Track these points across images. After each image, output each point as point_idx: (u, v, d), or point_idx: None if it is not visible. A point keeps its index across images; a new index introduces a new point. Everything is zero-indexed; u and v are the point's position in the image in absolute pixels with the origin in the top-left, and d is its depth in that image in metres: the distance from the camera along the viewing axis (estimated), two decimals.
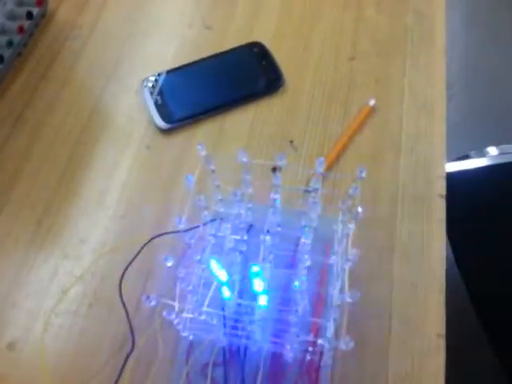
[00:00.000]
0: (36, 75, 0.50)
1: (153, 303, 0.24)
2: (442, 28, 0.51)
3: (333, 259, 0.33)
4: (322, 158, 0.27)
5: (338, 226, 0.33)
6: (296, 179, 0.43)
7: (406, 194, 0.41)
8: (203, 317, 0.25)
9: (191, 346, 0.34)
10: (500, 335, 0.65)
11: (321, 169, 0.27)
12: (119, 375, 0.29)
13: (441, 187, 0.41)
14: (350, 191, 0.28)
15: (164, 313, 0.25)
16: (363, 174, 0.26)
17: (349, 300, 0.23)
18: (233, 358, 0.33)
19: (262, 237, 0.29)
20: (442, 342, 0.35)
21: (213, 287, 0.28)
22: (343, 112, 0.46)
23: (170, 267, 0.28)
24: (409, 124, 0.45)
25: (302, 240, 0.34)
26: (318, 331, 0.31)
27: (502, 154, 0.99)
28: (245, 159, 0.29)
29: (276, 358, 0.32)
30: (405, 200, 0.41)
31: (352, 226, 0.26)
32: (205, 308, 0.26)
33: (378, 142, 0.44)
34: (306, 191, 0.41)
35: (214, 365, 0.33)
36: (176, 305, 0.25)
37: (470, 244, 0.78)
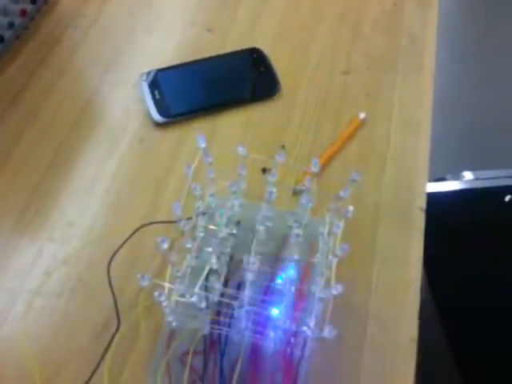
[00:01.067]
0: (34, 60, 0.50)
1: (146, 283, 0.25)
2: (432, 52, 0.54)
3: (317, 257, 0.34)
4: (317, 160, 0.28)
5: (324, 227, 0.34)
6: (284, 182, 0.44)
7: (387, 205, 0.43)
8: (193, 298, 0.26)
9: (172, 333, 0.34)
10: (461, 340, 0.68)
11: (315, 169, 0.29)
12: (102, 355, 0.30)
13: (421, 201, 0.43)
14: (341, 193, 0.29)
15: (155, 293, 0.26)
16: (357, 178, 0.27)
17: (334, 292, 0.25)
18: (213, 346, 0.34)
19: (256, 227, 0.30)
20: (414, 347, 0.37)
21: (203, 275, 0.29)
22: (334, 122, 0.48)
23: (157, 254, 0.29)
24: (395, 140, 0.47)
25: (291, 236, 0.35)
26: (299, 323, 0.32)
27: (476, 179, 1.04)
28: (243, 153, 0.30)
29: (255, 349, 0.33)
30: (386, 211, 0.42)
31: (341, 223, 0.28)
32: (197, 290, 0.26)
33: (365, 154, 0.46)
34: (296, 192, 0.43)
35: (194, 353, 0.34)
36: (167, 285, 0.26)
37: (440, 262, 0.81)
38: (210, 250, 0.31)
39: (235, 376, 0.32)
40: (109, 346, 0.31)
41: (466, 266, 0.78)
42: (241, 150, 0.29)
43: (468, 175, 1.04)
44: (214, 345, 0.34)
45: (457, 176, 1.02)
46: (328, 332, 0.23)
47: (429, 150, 0.47)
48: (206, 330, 0.31)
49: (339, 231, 0.28)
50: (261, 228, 0.30)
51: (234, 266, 0.35)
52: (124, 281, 0.37)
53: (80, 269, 0.39)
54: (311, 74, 0.51)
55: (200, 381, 0.33)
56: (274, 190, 0.33)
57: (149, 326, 0.34)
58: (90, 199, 0.42)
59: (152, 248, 0.39)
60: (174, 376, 0.33)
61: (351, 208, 0.27)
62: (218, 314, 0.33)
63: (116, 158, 0.45)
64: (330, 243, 0.30)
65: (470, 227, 0.89)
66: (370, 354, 0.36)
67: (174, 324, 0.32)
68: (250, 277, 0.27)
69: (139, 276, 0.24)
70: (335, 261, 0.26)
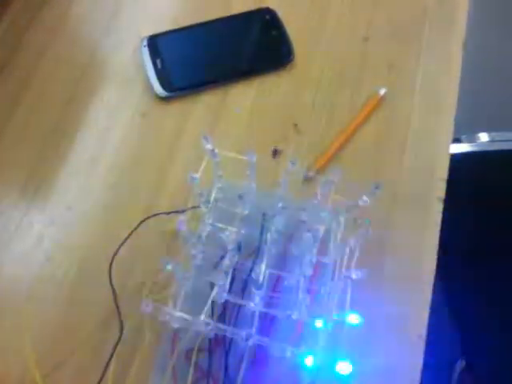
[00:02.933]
0: (24, 17, 0.45)
1: (149, 309, 0.23)
2: (463, 10, 0.48)
3: (328, 258, 0.33)
4: (339, 170, 0.26)
5: (338, 226, 0.32)
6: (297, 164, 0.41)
7: (404, 193, 0.40)
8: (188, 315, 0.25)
9: (177, 332, 0.34)
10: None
11: (335, 178, 0.26)
12: (107, 363, 0.29)
13: (440, 190, 0.40)
14: (360, 202, 0.27)
15: (160, 317, 0.24)
16: (377, 190, 0.25)
17: (354, 277, 0.23)
18: (218, 345, 0.33)
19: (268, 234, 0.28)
20: (422, 344, 0.36)
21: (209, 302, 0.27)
22: (352, 96, 0.44)
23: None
24: (416, 120, 0.43)
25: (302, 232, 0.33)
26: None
27: (492, 141, 1.00)
28: (253, 158, 0.27)
29: (261, 348, 0.32)
30: (403, 199, 0.40)
31: (357, 242, 0.26)
32: (202, 317, 0.25)
33: (383, 136, 0.43)
34: (307, 178, 0.40)
35: (199, 350, 0.33)
36: (170, 309, 0.24)
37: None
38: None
39: (240, 374, 0.32)
40: (113, 352, 0.30)
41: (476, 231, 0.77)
42: (251, 155, 0.26)
43: (484, 137, 1.00)
44: (219, 343, 0.33)
45: (472, 138, 0.99)
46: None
47: (451, 132, 0.43)
48: (209, 335, 0.30)
49: (356, 252, 0.26)
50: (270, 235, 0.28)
51: (241, 258, 0.34)
52: (126, 270, 0.36)
53: (81, 255, 0.37)
54: (328, 41, 0.46)
55: (205, 378, 0.33)
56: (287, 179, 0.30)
57: (152, 325, 0.33)
58: (90, 180, 0.40)
59: (156, 236, 0.38)
60: (179, 373, 0.33)
61: (370, 232, 0.25)
62: (223, 314, 0.32)
63: (117, 135, 0.42)
64: (343, 250, 0.28)
65: (485, 191, 0.87)
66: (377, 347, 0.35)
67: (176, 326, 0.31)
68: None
69: (143, 305, 0.23)
70: (349, 284, 0.24)
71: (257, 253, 0.30)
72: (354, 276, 0.25)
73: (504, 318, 0.67)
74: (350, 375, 0.23)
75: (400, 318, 0.36)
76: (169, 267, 0.24)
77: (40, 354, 0.33)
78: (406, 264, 0.38)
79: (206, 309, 0.25)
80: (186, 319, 0.25)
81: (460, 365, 0.68)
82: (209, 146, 0.27)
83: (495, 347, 0.67)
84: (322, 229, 0.29)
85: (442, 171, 0.41)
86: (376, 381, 0.34)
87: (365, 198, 0.26)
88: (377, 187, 0.25)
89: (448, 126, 0.43)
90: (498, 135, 1.01)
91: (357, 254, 0.26)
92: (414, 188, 0.41)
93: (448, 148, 0.43)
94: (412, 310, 0.37)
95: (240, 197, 0.29)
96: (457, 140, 1.00)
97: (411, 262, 0.38)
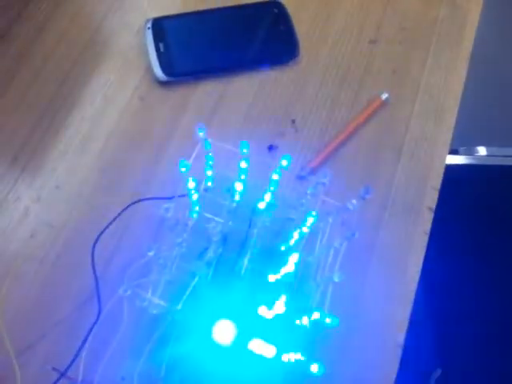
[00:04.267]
0: None
1: (128, 292, 0.23)
2: (473, 26, 0.48)
3: (312, 258, 0.33)
4: (330, 172, 0.25)
5: (325, 227, 0.32)
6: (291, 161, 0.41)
7: (396, 200, 0.40)
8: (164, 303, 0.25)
9: (155, 317, 0.33)
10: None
11: (325, 180, 0.26)
12: (82, 344, 0.29)
13: (432, 200, 0.40)
14: (348, 205, 0.27)
15: (136, 302, 0.24)
16: (367, 196, 0.25)
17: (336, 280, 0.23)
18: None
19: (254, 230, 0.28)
20: (399, 352, 0.36)
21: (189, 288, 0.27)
22: (353, 98, 0.44)
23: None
24: (416, 127, 0.43)
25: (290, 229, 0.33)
26: None
27: (489, 155, 1.00)
28: (245, 150, 0.27)
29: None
30: (394, 206, 0.40)
31: (342, 246, 0.26)
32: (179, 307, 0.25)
33: (381, 141, 0.42)
34: (300, 176, 0.40)
35: (176, 339, 0.33)
36: (149, 296, 0.24)
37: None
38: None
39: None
40: (89, 332, 0.30)
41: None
42: (243, 145, 0.26)
43: (482, 150, 1.00)
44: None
45: (470, 150, 0.99)
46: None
47: (449, 142, 0.43)
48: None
49: (340, 254, 0.25)
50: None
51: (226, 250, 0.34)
52: (109, 253, 0.36)
53: (66, 235, 0.37)
54: (335, 41, 0.46)
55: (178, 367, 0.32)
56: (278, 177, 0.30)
57: (132, 307, 0.33)
58: (80, 160, 0.39)
59: (142, 221, 0.37)
60: (155, 361, 0.32)
61: (357, 235, 0.25)
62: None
63: (112, 117, 0.41)
64: (327, 252, 0.28)
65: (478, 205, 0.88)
66: (354, 358, 0.35)
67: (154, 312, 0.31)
68: None
69: (122, 290, 0.23)
70: (330, 285, 0.24)
71: (242, 246, 0.30)
72: (336, 279, 0.25)
73: (480, 329, 0.68)
74: (322, 376, 0.23)
75: (379, 324, 0.36)
76: (150, 253, 0.24)
77: (13, 332, 0.33)
78: (391, 271, 0.38)
79: (184, 297, 0.25)
80: (163, 306, 0.25)
81: (436, 374, 0.69)
82: (202, 135, 0.27)
83: (470, 356, 0.68)
84: (307, 228, 0.29)
85: (436, 181, 0.41)
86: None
87: (354, 201, 0.26)
88: (366, 192, 0.25)
89: (446, 136, 0.43)
90: (497, 150, 1.01)
91: (340, 256, 0.26)
92: (406, 195, 0.40)
93: (444, 158, 0.42)
94: (392, 317, 0.37)
95: (228, 189, 0.28)
96: (454, 151, 1.00)
97: (396, 269, 0.38)
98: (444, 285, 0.76)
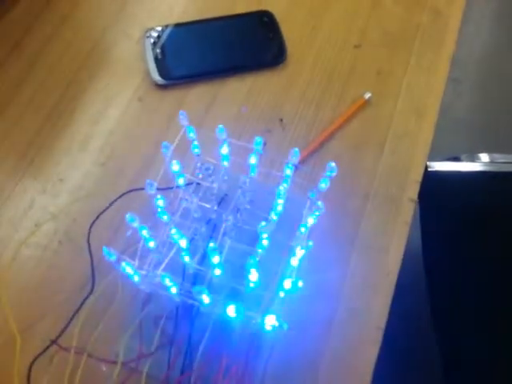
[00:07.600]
0: (39, 3, 0.49)
1: (113, 258, 0.26)
2: (455, 31, 0.51)
3: (294, 241, 0.35)
4: (297, 149, 0.28)
5: (305, 213, 0.34)
6: (278, 158, 0.44)
7: (378, 191, 0.42)
8: (157, 279, 0.27)
9: (149, 296, 0.36)
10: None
11: (294, 159, 0.28)
12: (74, 313, 0.32)
13: (413, 192, 0.42)
14: (320, 185, 0.29)
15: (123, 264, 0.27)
16: (332, 174, 0.27)
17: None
18: (185, 314, 0.35)
19: (225, 216, 0.30)
20: (380, 335, 0.38)
21: (173, 250, 0.29)
22: (338, 98, 0.47)
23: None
24: (398, 124, 0.45)
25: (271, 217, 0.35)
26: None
27: (492, 162, 1.00)
28: (224, 136, 0.30)
29: (225, 321, 0.34)
30: (376, 197, 0.42)
31: (311, 220, 0.28)
32: (159, 272, 0.27)
33: (364, 136, 0.45)
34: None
35: (167, 318, 0.35)
36: (136, 263, 0.26)
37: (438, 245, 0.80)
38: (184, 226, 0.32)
39: (203, 343, 0.34)
40: (82, 303, 0.33)
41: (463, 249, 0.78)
42: (221, 131, 0.28)
43: (484, 157, 1.00)
44: (186, 312, 0.35)
45: (471, 157, 0.99)
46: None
47: (431, 139, 0.45)
48: (176, 301, 0.32)
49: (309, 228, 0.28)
50: (231, 217, 0.31)
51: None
52: (107, 241, 0.39)
53: (67, 224, 0.40)
54: (321, 45, 0.49)
55: (169, 345, 0.35)
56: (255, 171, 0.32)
57: (126, 286, 0.35)
58: (83, 155, 0.43)
59: (139, 209, 0.40)
60: (146, 337, 0.35)
61: (321, 204, 0.27)
62: (194, 283, 0.34)
63: (113, 116, 0.45)
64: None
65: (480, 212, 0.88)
66: (336, 339, 0.37)
67: (147, 290, 0.33)
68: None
69: (107, 250, 0.25)
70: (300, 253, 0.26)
71: (224, 229, 0.32)
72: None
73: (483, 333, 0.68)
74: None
75: (360, 312, 0.38)
76: (134, 227, 0.26)
77: (17, 311, 0.35)
78: (373, 259, 0.40)
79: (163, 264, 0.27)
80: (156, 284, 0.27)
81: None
82: (184, 122, 0.29)
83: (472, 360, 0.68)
84: (280, 207, 0.31)
85: (417, 174, 0.43)
86: (332, 368, 0.36)
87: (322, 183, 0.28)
88: (331, 170, 0.27)
89: (427, 132, 0.45)
90: (500, 157, 1.01)
91: (308, 228, 0.28)
92: (388, 187, 0.42)
93: (426, 152, 0.44)
94: (373, 305, 0.38)
95: (207, 168, 0.31)
96: (456, 158, 1.01)
97: (378, 258, 0.40)
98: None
